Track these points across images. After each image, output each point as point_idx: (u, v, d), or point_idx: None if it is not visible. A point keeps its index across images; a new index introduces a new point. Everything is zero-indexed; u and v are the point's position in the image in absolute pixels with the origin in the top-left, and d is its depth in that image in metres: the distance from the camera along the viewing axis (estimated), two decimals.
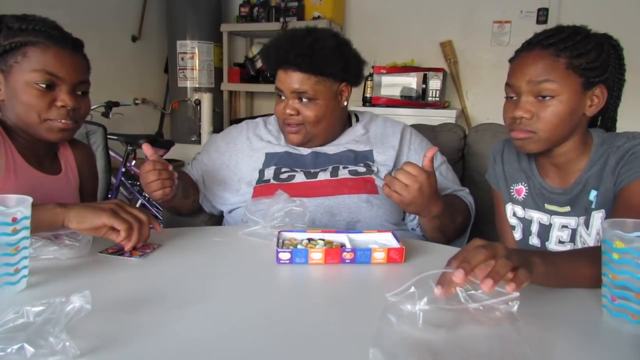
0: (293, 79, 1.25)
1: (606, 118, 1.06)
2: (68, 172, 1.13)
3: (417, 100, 3.06)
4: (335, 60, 1.25)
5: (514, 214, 1.12)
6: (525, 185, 1.10)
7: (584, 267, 0.75)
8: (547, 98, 0.94)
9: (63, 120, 1.00)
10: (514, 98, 0.98)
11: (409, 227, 1.28)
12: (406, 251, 0.89)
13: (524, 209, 1.10)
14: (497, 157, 1.17)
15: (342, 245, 0.91)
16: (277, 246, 0.89)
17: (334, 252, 0.87)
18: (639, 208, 0.88)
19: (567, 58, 0.93)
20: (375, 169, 1.28)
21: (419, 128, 1.54)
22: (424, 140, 1.40)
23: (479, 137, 1.56)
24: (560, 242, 1.05)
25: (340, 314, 0.69)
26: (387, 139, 1.34)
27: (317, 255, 0.87)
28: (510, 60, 1.01)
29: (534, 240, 1.09)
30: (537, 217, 1.08)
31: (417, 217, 1.24)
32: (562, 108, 0.93)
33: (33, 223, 0.73)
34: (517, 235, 1.12)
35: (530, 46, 0.97)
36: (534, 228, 1.08)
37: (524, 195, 1.10)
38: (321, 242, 0.92)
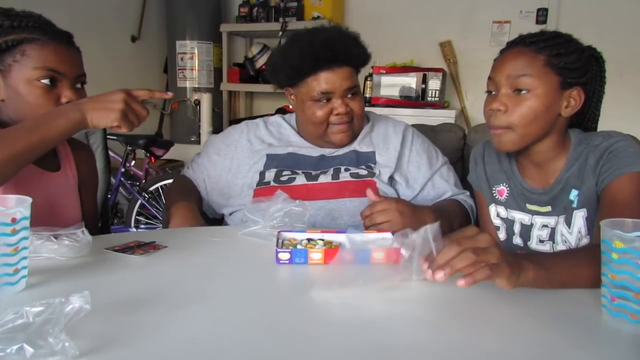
0: (344, 76, 1.23)
1: (585, 127, 1.09)
2: (67, 169, 1.12)
3: (416, 100, 3.06)
4: (366, 54, 1.29)
5: (498, 215, 1.14)
6: (507, 185, 1.11)
7: (580, 268, 0.75)
8: (523, 92, 0.96)
9: None
10: (494, 93, 1.00)
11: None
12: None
13: (506, 210, 1.11)
14: (477, 159, 1.19)
15: (342, 246, 0.91)
16: (277, 246, 0.89)
17: (333, 252, 0.87)
18: (623, 205, 0.90)
19: (546, 55, 0.95)
20: (377, 171, 1.27)
21: (419, 128, 1.54)
22: (425, 141, 1.40)
23: (479, 137, 1.56)
24: (540, 241, 1.07)
25: (339, 314, 0.68)
26: (389, 139, 1.34)
27: (316, 255, 0.87)
28: (495, 59, 1.04)
29: (517, 240, 1.10)
30: (519, 217, 1.09)
31: None
32: (537, 103, 0.95)
33: (53, 131, 0.85)
34: (502, 235, 1.13)
35: (513, 45, 1.01)
36: (517, 228, 1.10)
37: (506, 195, 1.12)
38: (321, 242, 0.92)
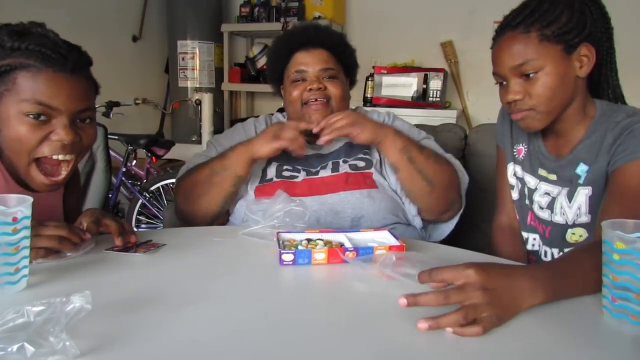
0: (320, 58, 1.31)
1: (606, 83, 1.03)
2: None
3: (417, 100, 3.05)
4: (349, 49, 1.38)
5: (514, 174, 1.13)
6: (525, 146, 1.11)
7: (589, 274, 0.72)
8: (532, 75, 0.93)
9: (55, 156, 0.87)
10: (504, 83, 0.99)
11: (411, 221, 1.28)
12: (406, 249, 0.89)
13: (522, 171, 1.11)
14: (505, 114, 1.17)
15: (342, 245, 0.91)
16: (279, 248, 0.88)
17: (336, 252, 0.87)
18: (635, 192, 0.86)
19: (537, 30, 0.92)
20: (373, 160, 1.30)
21: (420, 128, 1.53)
22: (405, 123, 1.44)
23: (480, 138, 1.56)
24: (540, 207, 1.07)
25: (343, 314, 0.68)
26: None
27: (320, 255, 0.87)
28: (491, 48, 1.02)
29: (527, 202, 1.10)
30: (527, 179, 1.09)
31: (416, 212, 1.26)
32: (550, 79, 0.93)
33: None
34: (515, 195, 1.13)
35: (502, 31, 0.98)
36: (526, 190, 1.10)
37: (523, 155, 1.11)
38: (320, 242, 0.92)
